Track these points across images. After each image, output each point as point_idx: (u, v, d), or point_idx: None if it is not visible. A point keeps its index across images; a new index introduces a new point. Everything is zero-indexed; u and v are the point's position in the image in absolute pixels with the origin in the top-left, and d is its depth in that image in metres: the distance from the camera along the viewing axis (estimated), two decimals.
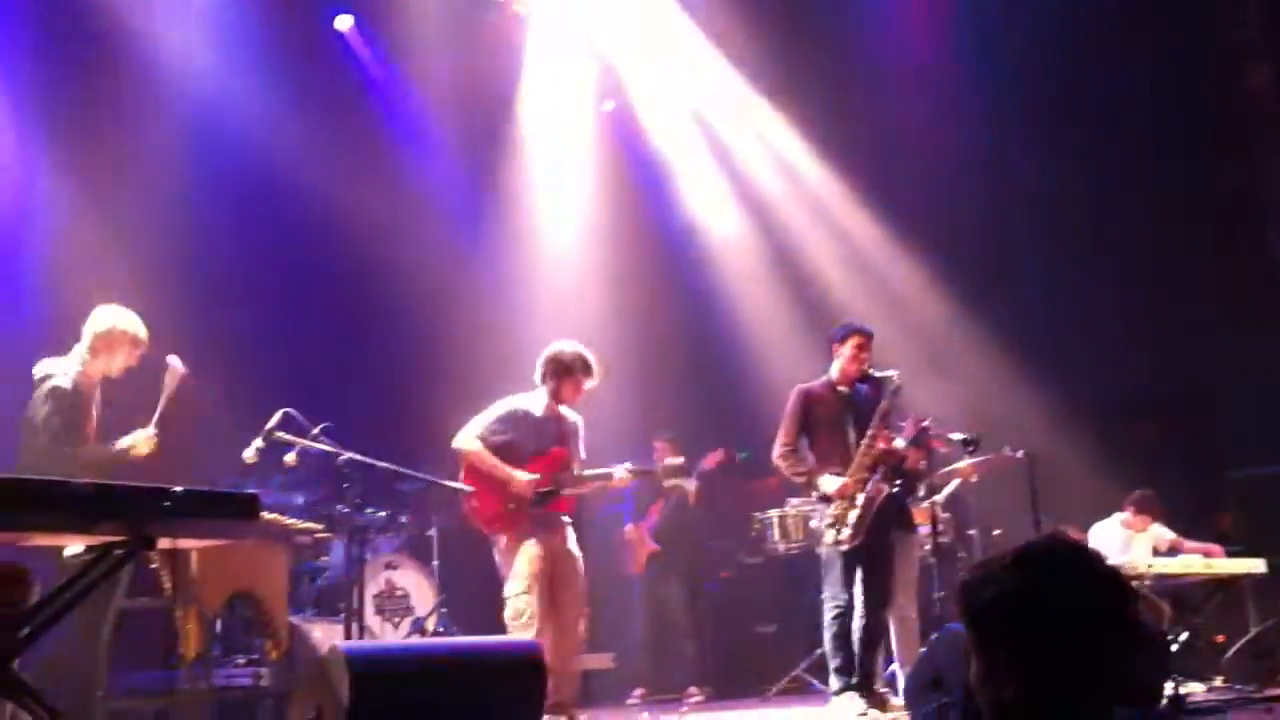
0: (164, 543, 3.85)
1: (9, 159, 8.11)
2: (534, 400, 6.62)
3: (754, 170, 10.69)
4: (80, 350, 5.76)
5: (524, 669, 4.29)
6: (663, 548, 8.96)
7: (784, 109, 10.46)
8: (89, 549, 4.23)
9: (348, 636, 6.10)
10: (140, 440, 5.68)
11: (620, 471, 6.60)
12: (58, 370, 5.69)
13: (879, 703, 6.65)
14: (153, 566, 5.56)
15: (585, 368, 6.59)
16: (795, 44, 10.15)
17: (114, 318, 5.79)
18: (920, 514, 7.35)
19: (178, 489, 3.72)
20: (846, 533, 6.61)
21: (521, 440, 6.52)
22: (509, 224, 10.41)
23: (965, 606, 2.27)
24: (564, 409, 6.67)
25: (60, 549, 4.84)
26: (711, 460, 9.06)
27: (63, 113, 8.28)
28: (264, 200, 9.11)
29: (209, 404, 6.42)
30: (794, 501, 8.53)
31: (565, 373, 6.57)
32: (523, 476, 6.38)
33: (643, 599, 9.05)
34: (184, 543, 4.61)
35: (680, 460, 6.84)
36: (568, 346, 6.66)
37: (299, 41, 9.46)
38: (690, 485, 9.02)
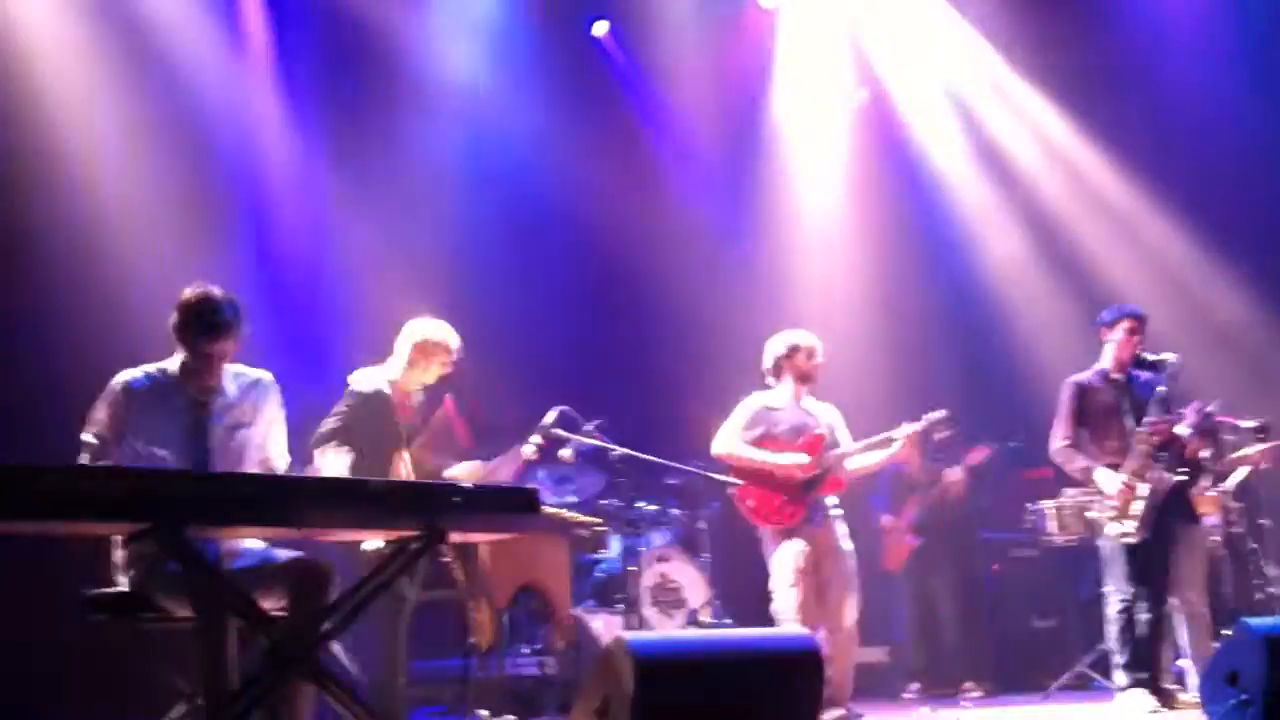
0: (455, 536, 4.01)
1: (298, 170, 8.64)
2: (777, 394, 6.68)
3: (1015, 151, 10.42)
4: (398, 361, 5.87)
5: (802, 662, 4.29)
6: (927, 540, 8.79)
7: (1044, 85, 10.16)
8: (387, 543, 4.46)
9: (627, 628, 6.24)
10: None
11: (904, 429, 6.51)
12: (363, 378, 5.84)
13: (1168, 700, 6.43)
14: (445, 560, 5.83)
15: (809, 347, 6.61)
16: (1056, 17, 9.86)
17: (430, 329, 5.89)
18: (1208, 503, 7.05)
19: (467, 485, 3.89)
20: (1131, 525, 6.40)
21: (773, 434, 6.56)
22: (766, 218, 10.43)
23: None
24: (813, 401, 6.68)
25: (360, 543, 5.12)
26: (976, 456, 8.80)
27: (345, 124, 8.76)
28: (529, 203, 9.40)
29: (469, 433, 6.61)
30: (1070, 492, 8.27)
31: (792, 355, 6.65)
32: (788, 459, 6.41)
33: (909, 593, 8.92)
34: (473, 536, 4.82)
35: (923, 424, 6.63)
36: (779, 336, 6.73)
37: (560, 48, 9.74)
38: (956, 476, 8.80)
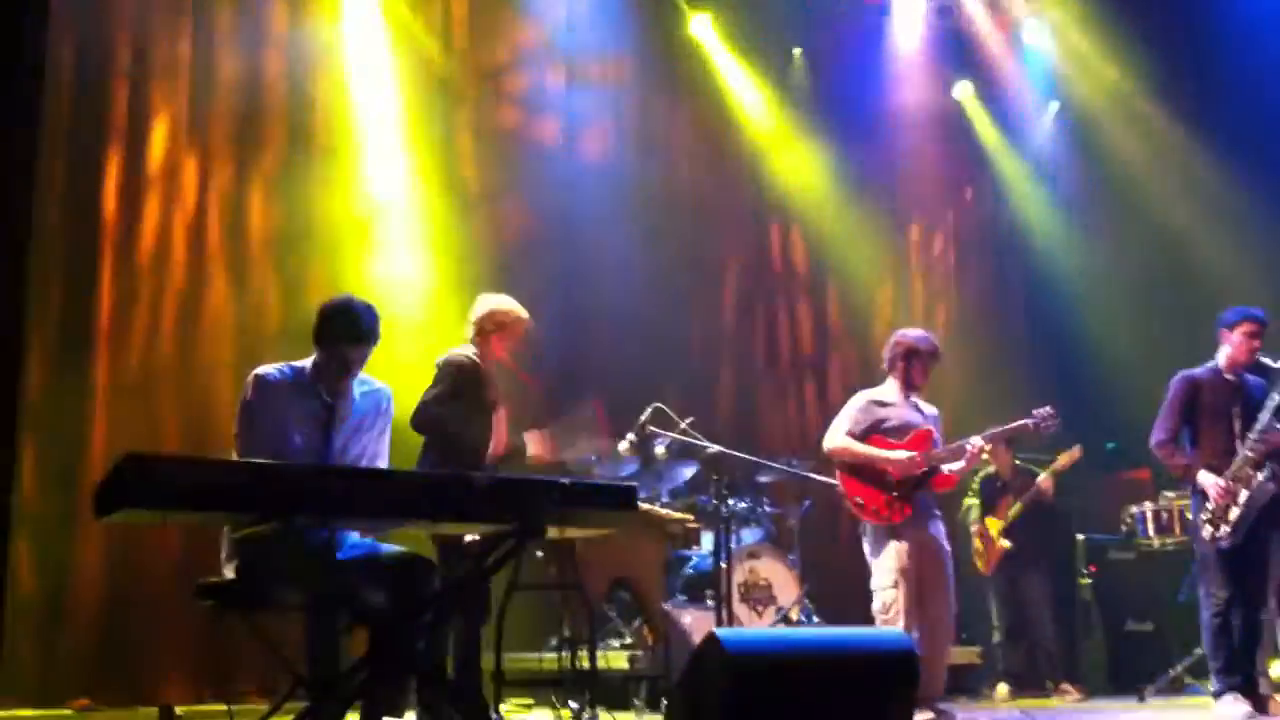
0: (551, 532, 4.08)
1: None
2: (887, 390, 6.63)
3: (1114, 147, 10.31)
4: (475, 337, 6.07)
5: (897, 662, 4.29)
6: (1018, 542, 8.69)
7: (1142, 78, 10.04)
8: (483, 537, 4.55)
9: (717, 624, 6.28)
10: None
11: (976, 440, 6.48)
12: (456, 353, 6.02)
13: (1263, 705, 6.35)
14: (540, 555, 5.93)
15: (931, 348, 6.57)
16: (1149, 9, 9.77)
17: (499, 301, 6.12)
18: None
19: (564, 481, 3.95)
20: (1226, 530, 6.33)
21: (884, 428, 6.53)
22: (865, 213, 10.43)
23: None
24: (918, 400, 6.65)
25: (461, 536, 5.22)
26: (1064, 461, 8.65)
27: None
28: (626, 194, 9.45)
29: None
30: (1169, 494, 8.20)
31: (913, 355, 6.55)
32: (900, 456, 6.39)
33: (999, 595, 8.85)
34: (569, 532, 4.90)
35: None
36: (910, 330, 6.67)
37: (658, 32, 9.81)
38: (1046, 482, 8.70)
